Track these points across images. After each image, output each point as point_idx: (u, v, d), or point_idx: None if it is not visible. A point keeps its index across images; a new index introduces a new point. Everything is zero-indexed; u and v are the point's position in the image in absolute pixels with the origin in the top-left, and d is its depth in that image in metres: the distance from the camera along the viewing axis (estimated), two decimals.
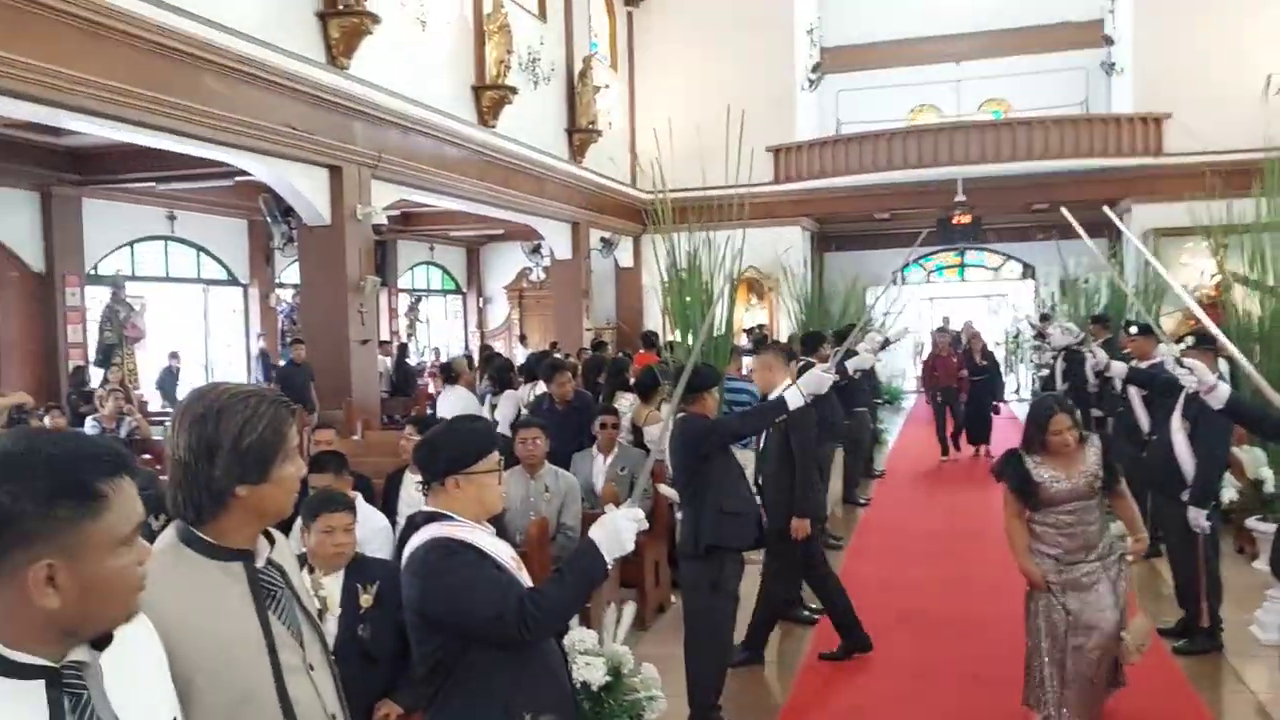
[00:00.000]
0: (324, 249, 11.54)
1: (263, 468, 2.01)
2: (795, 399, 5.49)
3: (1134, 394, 8.25)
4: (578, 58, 18.38)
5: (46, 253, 14.04)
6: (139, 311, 15.25)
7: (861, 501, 11.57)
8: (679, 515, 5.77)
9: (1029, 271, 25.16)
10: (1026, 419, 4.97)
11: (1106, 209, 7.71)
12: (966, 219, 19.90)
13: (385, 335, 18.32)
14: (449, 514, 2.90)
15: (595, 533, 2.88)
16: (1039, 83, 21.47)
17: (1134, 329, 8.61)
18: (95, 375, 13.93)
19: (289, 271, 17.96)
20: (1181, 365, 5.43)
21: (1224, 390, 5.13)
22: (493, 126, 14.89)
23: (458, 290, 25.56)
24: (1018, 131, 19.04)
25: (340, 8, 11.04)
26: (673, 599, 7.53)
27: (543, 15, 17.39)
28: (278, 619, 2.05)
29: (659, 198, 9.11)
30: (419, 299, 23.69)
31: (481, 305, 25.64)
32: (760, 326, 18.38)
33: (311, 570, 4.15)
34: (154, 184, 14.68)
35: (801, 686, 6.21)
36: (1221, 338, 5.06)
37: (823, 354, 9.59)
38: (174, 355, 16.08)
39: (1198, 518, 6.11)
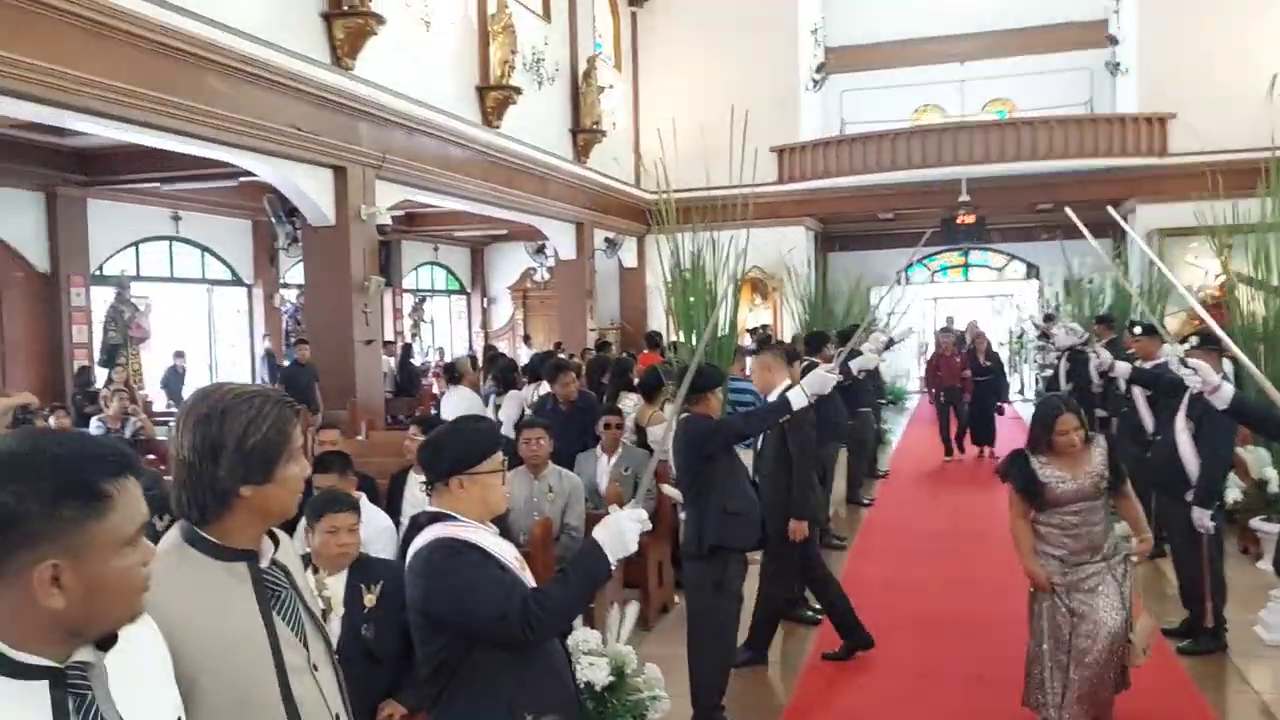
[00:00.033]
0: (328, 249, 11.55)
1: (267, 468, 2.02)
2: (799, 399, 5.49)
3: (1138, 394, 8.24)
4: (582, 58, 18.39)
5: (51, 253, 14.05)
6: (144, 312, 15.28)
7: (865, 502, 11.55)
8: (682, 515, 5.77)
9: (1033, 271, 25.13)
10: (1032, 419, 4.95)
11: (1111, 209, 7.71)
12: (971, 219, 19.87)
13: (389, 335, 18.33)
14: (453, 514, 2.90)
15: (599, 533, 2.89)
16: (1043, 83, 21.44)
17: (1138, 329, 8.61)
18: (100, 375, 13.95)
19: (293, 272, 17.99)
20: (1186, 365, 5.43)
21: (1228, 390, 5.13)
22: (497, 127, 14.89)
23: (462, 290, 25.57)
24: (1022, 131, 19.01)
25: (345, 8, 11.04)
26: (676, 599, 7.53)
27: (547, 15, 17.40)
28: (282, 619, 2.05)
29: (663, 198, 9.12)
30: (423, 299, 23.70)
31: (486, 305, 25.64)
32: (764, 327, 18.37)
33: (315, 570, 4.15)
34: (159, 184, 14.70)
35: (805, 687, 6.21)
36: (1225, 339, 5.05)
37: (826, 354, 9.60)
38: (179, 354, 16.08)
39: (1202, 518, 6.10)
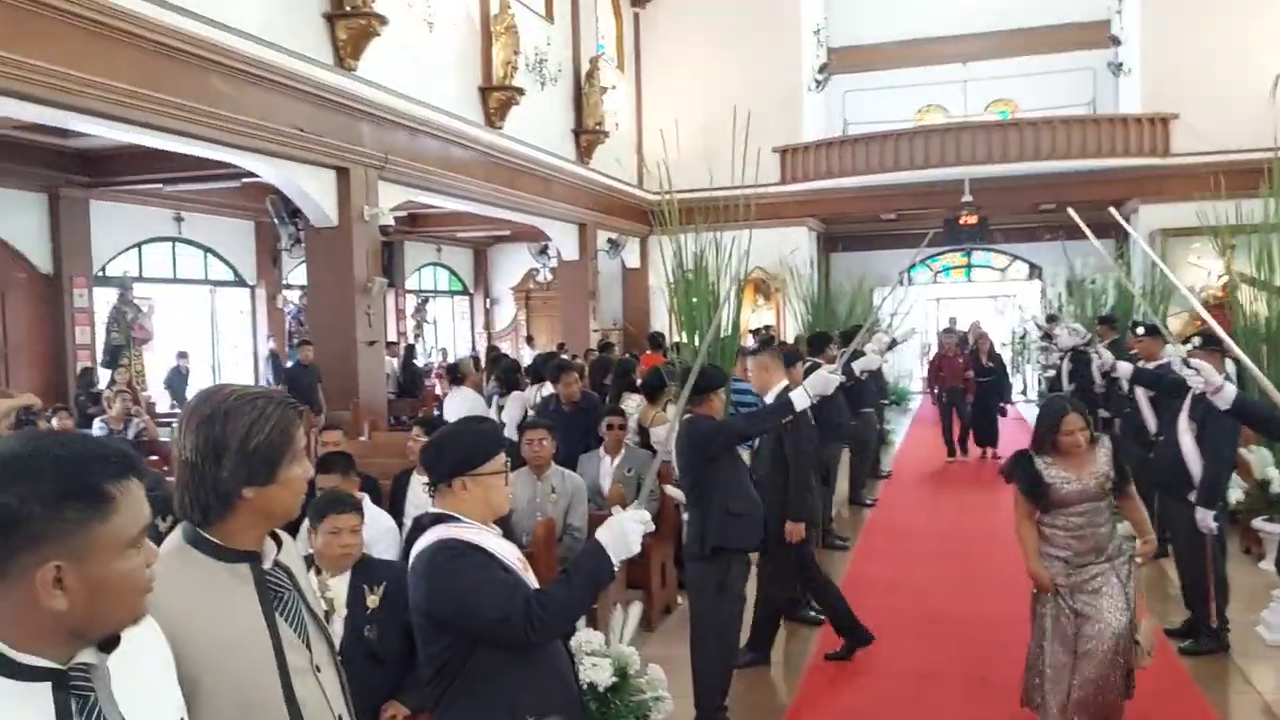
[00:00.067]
0: (331, 250, 11.55)
1: (270, 469, 2.02)
2: (802, 400, 5.50)
3: (1141, 395, 8.24)
4: (584, 59, 18.40)
5: (54, 254, 14.06)
6: (146, 313, 15.28)
7: (868, 502, 11.55)
8: (685, 516, 5.77)
9: (1036, 272, 25.11)
10: (1037, 419, 4.94)
11: (1113, 210, 7.71)
12: (973, 219, 19.87)
13: (392, 336, 18.33)
14: (456, 515, 2.90)
15: (602, 534, 2.89)
16: (1046, 83, 21.42)
17: (1141, 330, 8.62)
18: (103, 377, 13.95)
19: (296, 273, 18.01)
20: (1188, 366, 5.43)
21: (1230, 391, 5.13)
22: (499, 128, 14.90)
23: (465, 291, 25.58)
24: (1025, 132, 19.02)
25: (347, 9, 11.05)
26: (679, 600, 7.53)
27: (550, 16, 17.40)
28: (284, 621, 2.05)
29: (666, 198, 9.11)
30: (426, 300, 23.69)
31: (488, 306, 25.64)
32: (767, 327, 18.35)
33: (318, 572, 4.15)
34: (161, 185, 14.72)
35: (807, 687, 6.21)
36: (1228, 341, 5.05)
37: (829, 355, 9.60)
38: (183, 355, 16.08)
39: (1205, 518, 6.09)
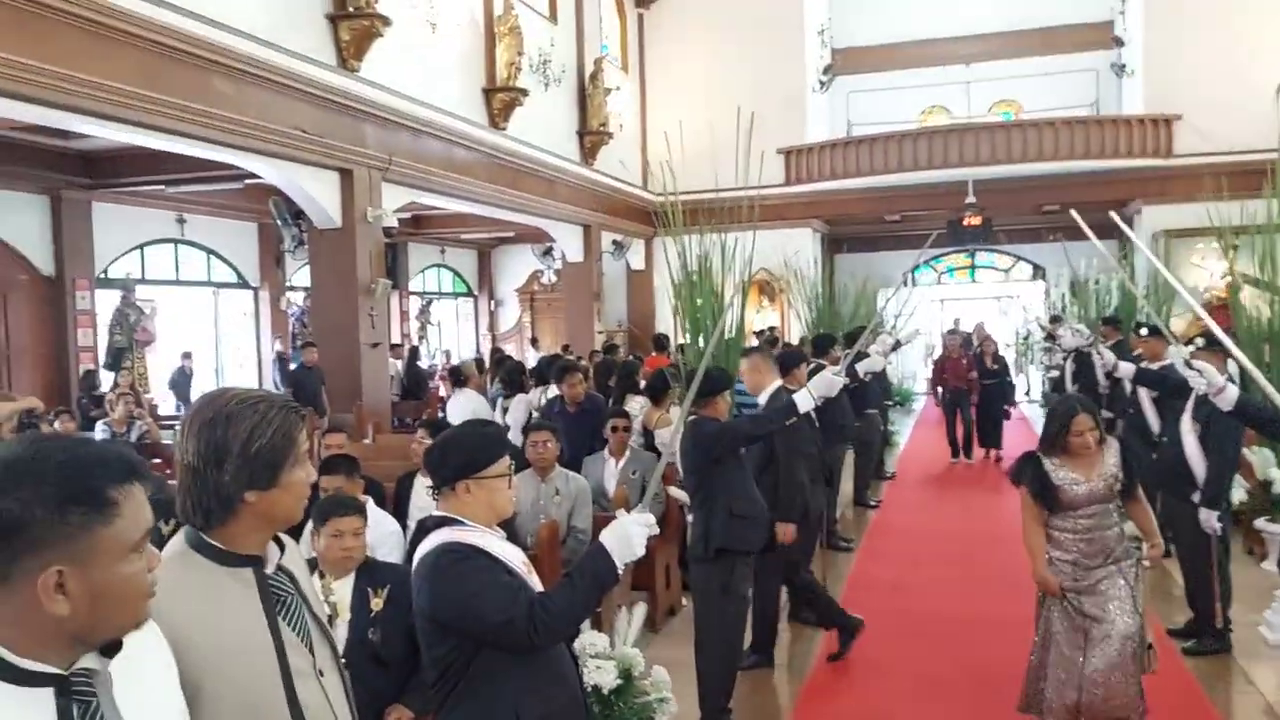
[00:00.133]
0: (334, 252, 11.56)
1: (272, 473, 2.01)
2: (806, 402, 5.49)
3: (1144, 395, 8.25)
4: (588, 60, 18.41)
5: (56, 256, 14.08)
6: (149, 315, 15.29)
7: (872, 504, 11.54)
8: (689, 518, 5.77)
9: (1039, 273, 25.11)
10: (1047, 419, 4.92)
11: (1114, 214, 7.69)
12: (977, 220, 19.85)
13: (396, 338, 18.36)
14: (459, 518, 2.90)
15: (606, 537, 2.88)
16: (1049, 84, 21.43)
17: (1144, 330, 8.60)
18: (105, 379, 13.97)
19: (299, 274, 18.00)
20: (1191, 367, 5.42)
21: (1233, 392, 5.12)
22: (503, 129, 14.90)
23: (469, 293, 25.60)
24: (1028, 133, 19.02)
25: (350, 10, 11.06)
26: (684, 602, 7.52)
27: (553, 17, 17.41)
28: (287, 624, 2.05)
29: (670, 200, 9.08)
30: (430, 302, 23.70)
31: (493, 308, 25.66)
32: (771, 329, 18.36)
33: (322, 575, 4.15)
34: (163, 187, 14.73)
35: (811, 689, 6.20)
36: (1227, 342, 5.03)
37: (833, 356, 9.59)
38: (187, 356, 16.12)
39: (1209, 519, 6.09)
